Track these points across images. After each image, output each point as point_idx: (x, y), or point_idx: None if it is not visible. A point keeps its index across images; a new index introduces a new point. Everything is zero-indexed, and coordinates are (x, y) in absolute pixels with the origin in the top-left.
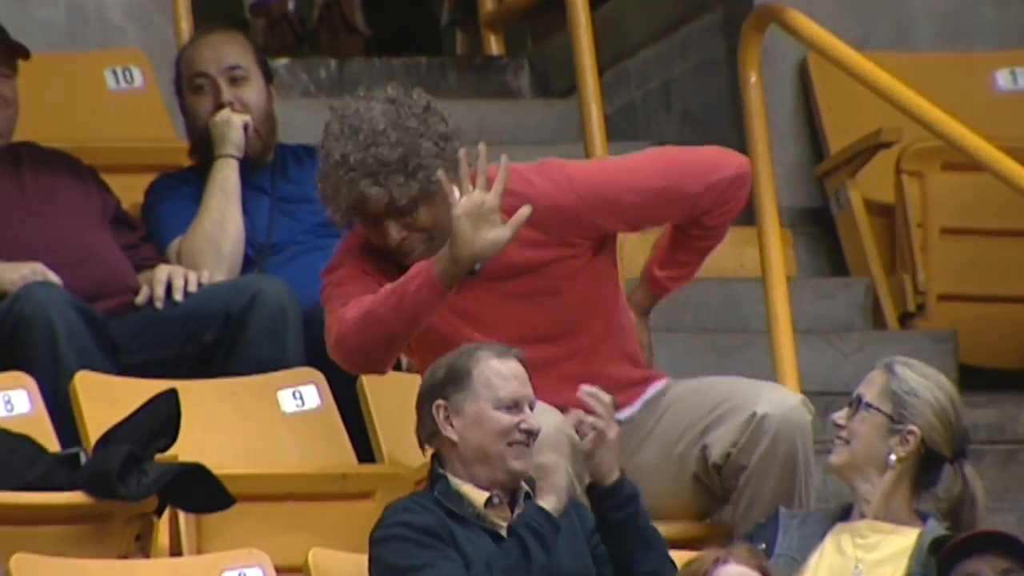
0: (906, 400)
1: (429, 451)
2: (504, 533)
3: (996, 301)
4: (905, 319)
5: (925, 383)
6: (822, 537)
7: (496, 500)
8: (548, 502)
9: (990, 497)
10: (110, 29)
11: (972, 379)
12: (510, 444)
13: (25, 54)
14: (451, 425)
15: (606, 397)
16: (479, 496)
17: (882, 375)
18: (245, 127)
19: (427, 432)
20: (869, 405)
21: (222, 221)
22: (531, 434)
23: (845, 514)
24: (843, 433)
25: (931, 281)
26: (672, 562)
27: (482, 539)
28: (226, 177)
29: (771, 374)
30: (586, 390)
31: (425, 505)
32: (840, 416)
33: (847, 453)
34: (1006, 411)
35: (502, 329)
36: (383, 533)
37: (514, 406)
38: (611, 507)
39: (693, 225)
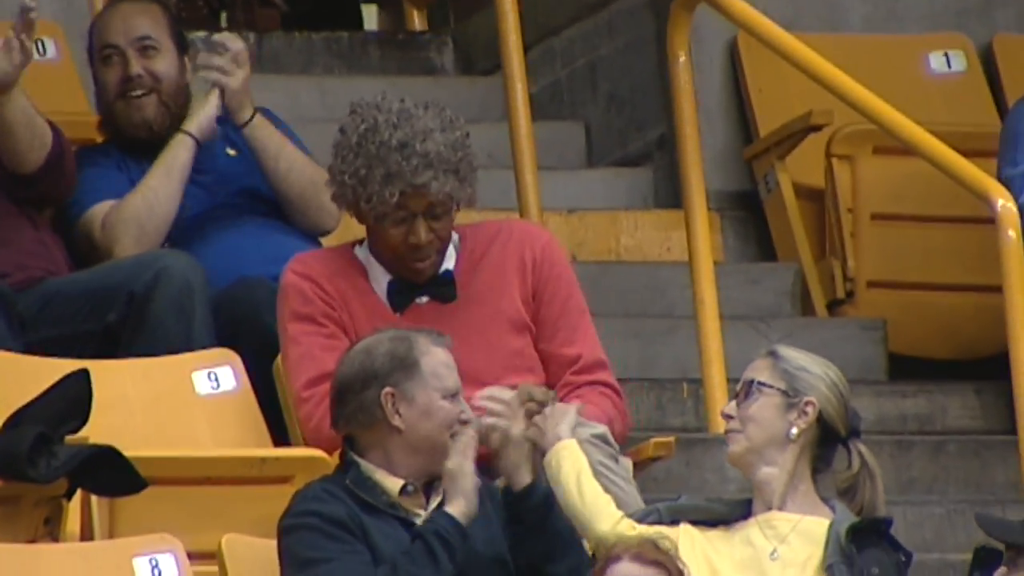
0: (798, 375)
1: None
2: (419, 522)
3: (926, 289)
4: (834, 306)
5: (812, 359)
6: (716, 525)
7: (411, 488)
8: (457, 507)
9: (919, 488)
10: None
11: (901, 368)
12: (452, 435)
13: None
14: (398, 413)
15: (507, 394)
16: (394, 484)
17: (766, 360)
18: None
19: (363, 418)
20: (762, 384)
21: (154, 199)
22: (467, 424)
23: (745, 513)
24: (733, 423)
25: (860, 268)
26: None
27: (395, 529)
28: (175, 155)
29: (697, 360)
30: (482, 394)
31: (336, 494)
32: (729, 408)
33: (743, 439)
34: (935, 401)
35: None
36: (292, 522)
37: (455, 396)
38: (524, 511)
39: None
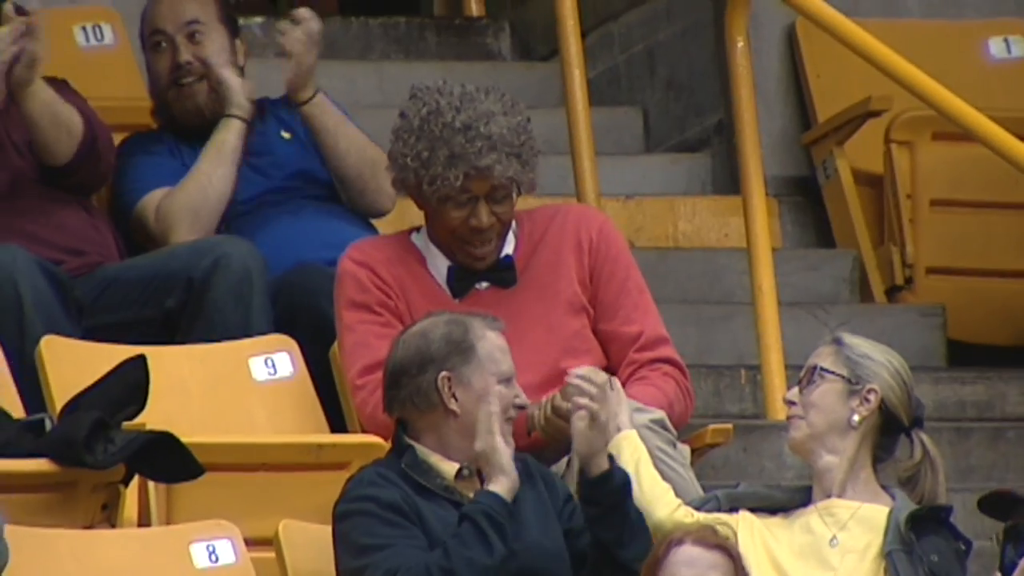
0: (861, 363)
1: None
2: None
3: (986, 275)
4: (892, 292)
5: (876, 347)
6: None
7: (466, 472)
8: (499, 485)
9: (978, 476)
10: None
11: (960, 355)
12: (507, 419)
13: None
14: (455, 398)
15: (601, 376)
16: (450, 468)
17: (830, 347)
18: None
19: (419, 401)
20: (824, 370)
21: (207, 184)
22: (522, 409)
23: (805, 501)
24: (796, 409)
25: (919, 254)
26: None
27: (450, 513)
28: (224, 139)
29: (755, 346)
30: (577, 372)
31: (390, 478)
32: (792, 394)
33: (805, 426)
34: (994, 388)
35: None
36: (348, 507)
37: (509, 380)
38: (603, 495)
39: None
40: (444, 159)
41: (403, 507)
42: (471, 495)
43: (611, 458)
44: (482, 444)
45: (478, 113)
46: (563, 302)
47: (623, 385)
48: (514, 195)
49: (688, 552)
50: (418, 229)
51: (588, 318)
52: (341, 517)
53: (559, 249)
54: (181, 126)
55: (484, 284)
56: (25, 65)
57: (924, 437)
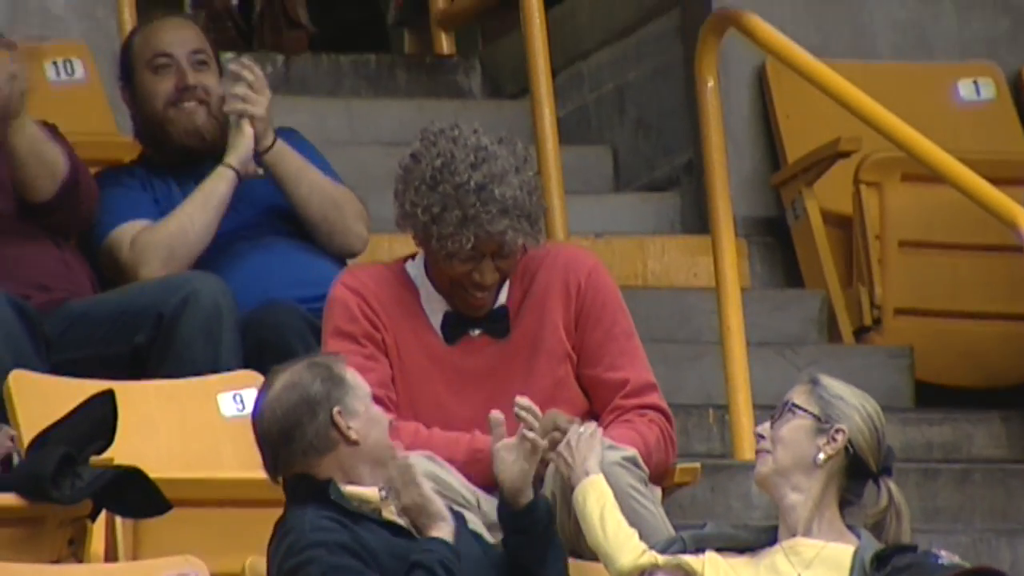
0: (833, 403)
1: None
2: (402, 523)
3: (954, 317)
4: (860, 333)
5: (851, 390)
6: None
7: (384, 494)
8: (442, 531)
9: (945, 517)
10: (51, 20)
11: (928, 396)
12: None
13: (9, 45)
14: (350, 427)
15: (537, 410)
16: (372, 493)
17: (805, 385)
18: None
19: (319, 444)
20: (796, 406)
21: (188, 227)
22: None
23: (771, 540)
24: (764, 443)
25: (888, 295)
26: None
27: (386, 537)
28: (214, 189)
29: (723, 386)
30: (522, 403)
31: (329, 518)
32: (762, 428)
33: (771, 461)
34: (961, 429)
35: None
36: (297, 561)
37: (371, 397)
38: (532, 524)
39: None
40: (456, 220)
41: (353, 546)
42: (396, 518)
43: (533, 487)
44: (410, 497)
45: (492, 173)
46: (546, 351)
47: (605, 427)
48: (520, 252)
49: None
50: (413, 257)
51: (571, 365)
52: (291, 573)
53: (546, 295)
54: (172, 149)
55: (477, 332)
56: (16, 95)
57: (891, 485)
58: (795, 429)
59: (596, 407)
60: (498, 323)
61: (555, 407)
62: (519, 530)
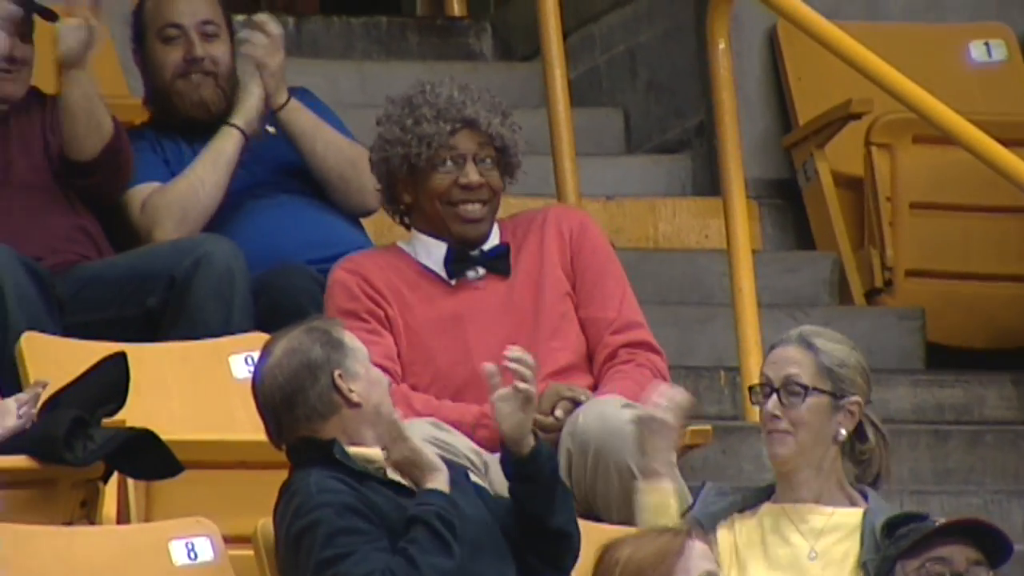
0: (841, 374)
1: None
2: (406, 483)
3: (965, 279)
4: (872, 295)
5: (845, 349)
6: (743, 511)
7: (386, 455)
8: (437, 481)
9: (956, 479)
10: None
11: (939, 358)
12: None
13: (51, 16)
14: (352, 390)
15: (530, 359)
16: (376, 453)
17: (804, 353)
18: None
19: (322, 408)
20: (813, 389)
21: (199, 187)
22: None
23: (767, 494)
24: (782, 424)
25: (899, 257)
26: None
27: (391, 495)
28: (222, 148)
29: (734, 348)
30: (511, 355)
31: (335, 478)
32: (773, 406)
33: (793, 443)
34: (972, 391)
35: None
36: (304, 522)
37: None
38: (537, 471)
39: None
40: (431, 116)
41: (359, 507)
42: (400, 478)
43: (535, 434)
44: (399, 452)
45: (459, 88)
46: (550, 286)
47: (600, 379)
48: (499, 165)
49: (701, 546)
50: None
51: (572, 303)
52: (299, 535)
53: (542, 240)
54: (178, 119)
55: (480, 271)
56: (86, 47)
57: (873, 416)
58: (815, 411)
59: (590, 346)
60: (499, 260)
61: (560, 341)
62: (524, 478)
